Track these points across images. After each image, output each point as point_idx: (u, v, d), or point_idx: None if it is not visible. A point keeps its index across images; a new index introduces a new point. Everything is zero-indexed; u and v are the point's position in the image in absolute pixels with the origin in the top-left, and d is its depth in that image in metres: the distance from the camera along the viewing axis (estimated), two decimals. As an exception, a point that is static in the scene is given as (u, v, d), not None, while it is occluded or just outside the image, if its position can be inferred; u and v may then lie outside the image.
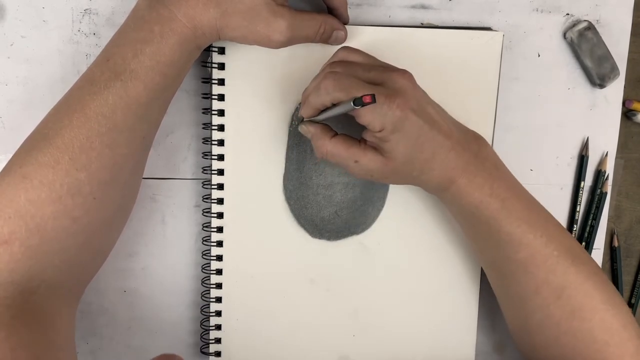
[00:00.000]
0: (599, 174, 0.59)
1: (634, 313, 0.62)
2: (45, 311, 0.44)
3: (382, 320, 0.57)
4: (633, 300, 0.62)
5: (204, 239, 0.55)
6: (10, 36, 0.52)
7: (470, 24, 0.56)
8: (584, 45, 0.56)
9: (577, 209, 0.59)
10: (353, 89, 0.43)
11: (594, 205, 0.59)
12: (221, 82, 0.52)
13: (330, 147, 0.47)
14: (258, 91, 0.53)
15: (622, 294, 0.62)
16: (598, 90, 0.58)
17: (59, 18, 0.52)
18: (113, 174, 0.45)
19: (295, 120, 0.53)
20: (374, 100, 0.39)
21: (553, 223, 0.49)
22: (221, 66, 0.52)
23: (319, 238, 0.55)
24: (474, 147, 0.48)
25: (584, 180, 0.58)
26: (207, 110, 0.53)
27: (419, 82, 0.47)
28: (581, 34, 0.56)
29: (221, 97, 0.52)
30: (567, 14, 0.56)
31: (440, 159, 0.46)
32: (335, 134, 0.48)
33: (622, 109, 0.59)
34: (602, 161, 0.59)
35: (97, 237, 0.47)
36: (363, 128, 0.46)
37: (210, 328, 0.55)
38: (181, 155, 0.55)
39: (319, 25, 0.49)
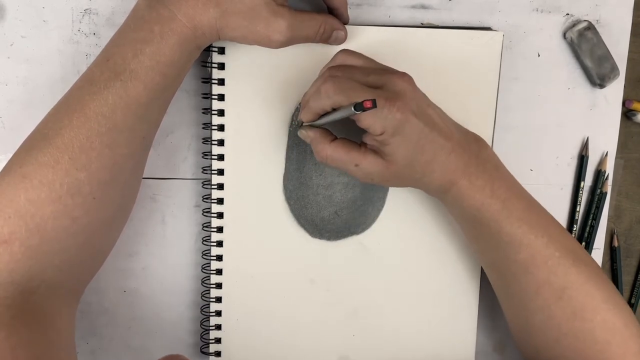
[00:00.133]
0: (599, 174, 0.59)
1: (634, 313, 0.62)
2: (45, 311, 0.44)
3: (382, 320, 0.57)
4: (633, 300, 0.62)
5: (204, 239, 0.55)
6: (10, 36, 0.52)
7: (470, 24, 0.56)
8: (584, 45, 0.56)
9: (577, 209, 0.59)
10: (353, 93, 0.43)
11: (594, 205, 0.59)
12: (221, 82, 0.52)
13: (330, 151, 0.47)
14: (258, 91, 0.53)
15: (622, 294, 0.62)
16: (598, 90, 0.58)
17: (59, 18, 0.52)
18: (113, 174, 0.45)
19: (295, 121, 0.53)
20: (374, 105, 0.39)
21: (553, 224, 0.49)
22: (221, 66, 0.52)
23: (319, 238, 0.55)
24: (474, 148, 0.48)
25: (584, 180, 0.58)
26: (207, 110, 0.53)
27: (418, 82, 0.47)
28: (581, 34, 0.56)
29: (221, 97, 0.52)
30: (567, 14, 0.56)
31: (441, 161, 0.46)
32: (335, 138, 0.48)
33: (622, 109, 0.59)
34: (602, 161, 0.59)
35: (97, 237, 0.47)
36: (362, 131, 0.46)
37: (210, 328, 0.55)
38: (181, 155, 0.55)
39: (319, 25, 0.49)
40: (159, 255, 0.56)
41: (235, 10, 0.45)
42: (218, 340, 0.56)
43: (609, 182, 0.59)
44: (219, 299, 0.55)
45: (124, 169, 0.46)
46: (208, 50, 0.51)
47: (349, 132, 0.48)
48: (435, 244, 0.56)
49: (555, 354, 0.49)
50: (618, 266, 0.61)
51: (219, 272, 0.55)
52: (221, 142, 0.53)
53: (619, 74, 0.57)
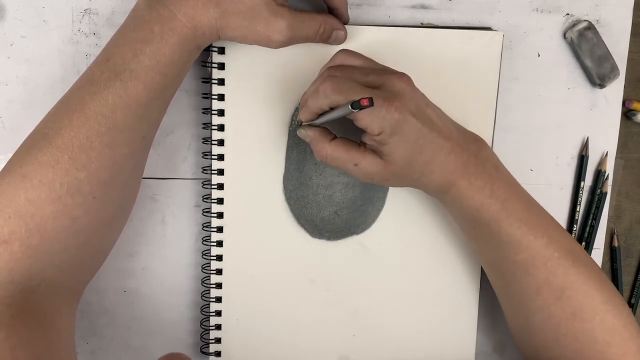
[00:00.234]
0: (599, 174, 0.59)
1: (634, 313, 0.62)
2: (45, 311, 0.44)
3: (382, 320, 0.57)
4: (633, 300, 0.62)
5: (204, 239, 0.55)
6: (10, 36, 0.52)
7: (470, 24, 0.56)
8: (584, 45, 0.56)
9: (577, 209, 0.59)
10: (351, 92, 0.43)
11: (594, 205, 0.59)
12: (221, 82, 0.52)
13: (329, 150, 0.47)
14: (258, 91, 0.53)
15: (622, 294, 0.62)
16: (598, 90, 0.58)
17: (59, 18, 0.52)
18: (113, 174, 0.45)
19: (295, 121, 0.53)
20: (371, 103, 0.39)
21: (553, 224, 0.49)
22: (221, 66, 0.52)
23: (319, 238, 0.55)
24: (473, 148, 0.48)
25: (584, 180, 0.58)
26: (207, 110, 0.53)
27: (418, 82, 0.47)
28: (581, 34, 0.56)
29: (221, 97, 0.52)
30: (567, 14, 0.56)
31: (440, 161, 0.46)
32: (335, 137, 0.48)
33: (622, 109, 0.59)
34: (602, 161, 0.59)
35: (97, 236, 0.47)
36: (362, 131, 0.46)
37: (210, 328, 0.55)
38: (181, 155, 0.55)
39: (319, 25, 0.49)
40: (159, 255, 0.56)
41: (235, 10, 0.45)
42: (218, 340, 0.56)
43: (609, 182, 0.59)
44: (219, 299, 0.55)
45: (124, 168, 0.46)
46: (208, 50, 0.51)
47: (348, 132, 0.48)
48: (435, 244, 0.56)
49: (555, 354, 0.49)
50: (618, 266, 0.61)
51: (219, 272, 0.55)
52: (221, 142, 0.53)
53: (619, 74, 0.57)
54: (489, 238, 0.49)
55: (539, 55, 0.57)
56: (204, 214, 0.54)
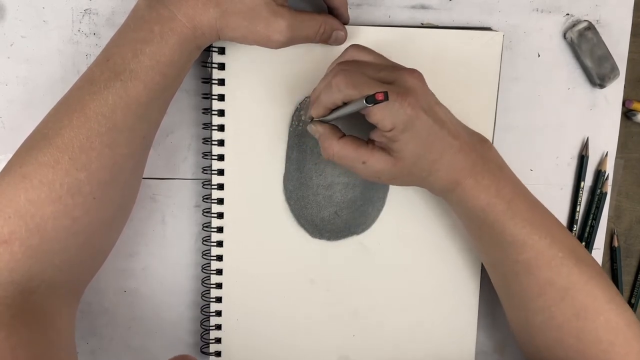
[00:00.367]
0: (599, 174, 0.59)
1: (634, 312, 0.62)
2: (45, 311, 0.44)
3: (382, 320, 0.57)
4: (633, 300, 0.62)
5: (204, 239, 0.55)
6: (10, 36, 0.52)
7: (470, 24, 0.56)
8: (584, 45, 0.56)
9: (577, 209, 0.59)
10: (365, 86, 0.43)
11: (594, 205, 0.59)
12: (221, 82, 0.52)
13: (338, 148, 0.47)
14: (258, 91, 0.53)
15: (622, 294, 0.61)
16: (598, 90, 0.58)
17: (59, 18, 0.52)
18: (113, 174, 0.45)
19: (296, 120, 0.53)
20: (386, 97, 0.39)
21: (556, 224, 0.49)
22: (221, 66, 0.52)
23: (319, 238, 0.55)
24: (479, 148, 0.48)
25: (584, 180, 0.58)
26: (207, 110, 0.53)
27: (418, 82, 0.47)
28: (581, 34, 0.56)
29: (221, 97, 0.52)
30: (567, 14, 0.56)
31: (448, 159, 0.46)
32: (343, 135, 0.47)
33: (622, 109, 0.59)
34: (602, 161, 0.59)
35: (97, 237, 0.47)
36: (370, 130, 0.46)
37: (210, 328, 0.55)
38: (181, 155, 0.55)
39: (319, 25, 0.49)
40: (159, 255, 0.56)
41: (235, 10, 0.45)
42: (218, 340, 0.56)
43: (609, 182, 0.59)
44: (219, 299, 0.55)
45: (124, 169, 0.46)
46: (208, 50, 0.51)
47: (356, 130, 0.48)
48: (435, 244, 0.56)
49: (558, 354, 0.49)
50: (618, 266, 0.61)
51: (219, 272, 0.55)
52: (221, 143, 0.53)
53: (619, 74, 0.57)
54: (492, 237, 0.49)
55: (539, 55, 0.57)
56: (204, 214, 0.54)
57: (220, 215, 0.54)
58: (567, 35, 0.56)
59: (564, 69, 0.57)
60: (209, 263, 0.55)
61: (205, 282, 0.55)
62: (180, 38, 0.45)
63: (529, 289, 0.49)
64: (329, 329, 0.56)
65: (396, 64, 0.48)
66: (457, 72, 0.53)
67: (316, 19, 0.49)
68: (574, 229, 0.59)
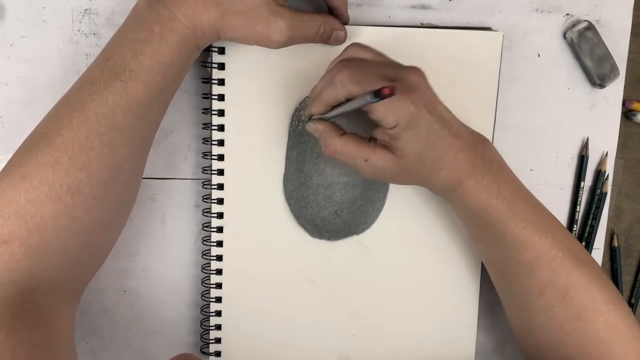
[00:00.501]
0: (599, 174, 0.59)
1: (634, 313, 0.62)
2: (45, 311, 0.44)
3: (382, 320, 0.57)
4: (633, 300, 0.62)
5: (204, 239, 0.55)
6: (10, 36, 0.52)
7: (470, 24, 0.56)
8: (584, 45, 0.56)
9: (577, 209, 0.59)
10: (369, 82, 0.43)
11: (594, 205, 0.59)
12: (221, 82, 0.52)
13: (339, 145, 0.46)
14: (258, 91, 0.53)
15: (622, 294, 0.61)
16: (598, 90, 0.58)
17: (59, 18, 0.52)
18: (113, 174, 0.45)
19: (295, 120, 0.53)
20: (393, 92, 0.38)
21: (556, 224, 0.49)
22: (221, 66, 0.52)
23: (319, 238, 0.55)
24: (480, 148, 0.48)
25: (584, 180, 0.58)
26: (207, 110, 0.53)
27: (418, 82, 0.47)
28: (581, 34, 0.56)
29: (221, 97, 0.52)
30: (567, 14, 0.56)
31: (450, 158, 0.46)
32: (344, 133, 0.47)
33: (622, 109, 0.59)
34: (602, 161, 0.59)
35: (97, 237, 0.47)
36: (371, 128, 0.46)
37: (210, 328, 0.55)
38: (181, 155, 0.55)
39: (319, 25, 0.49)
40: (159, 255, 0.56)
41: (235, 10, 0.45)
42: (218, 340, 0.56)
43: (609, 182, 0.59)
44: (219, 299, 0.55)
45: (124, 169, 0.46)
46: (208, 50, 0.51)
47: (356, 129, 0.48)
48: (435, 244, 0.56)
49: (559, 354, 0.49)
50: (618, 266, 0.61)
51: (219, 272, 0.55)
52: (221, 142, 0.53)
53: (619, 74, 0.57)
54: (494, 238, 0.49)
55: (539, 55, 0.57)
56: (204, 214, 0.54)
57: (220, 215, 0.54)
58: (567, 35, 0.56)
59: (564, 69, 0.57)
60: (209, 263, 0.55)
61: (205, 282, 0.55)
62: (180, 38, 0.45)
63: (531, 289, 0.49)
64: (329, 329, 0.56)
65: (397, 62, 0.48)
66: (457, 72, 0.53)
67: (316, 19, 0.49)
68: (574, 229, 0.59)
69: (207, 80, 0.53)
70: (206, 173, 0.54)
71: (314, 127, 0.48)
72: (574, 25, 0.56)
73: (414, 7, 0.55)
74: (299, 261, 0.55)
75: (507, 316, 0.54)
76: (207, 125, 0.53)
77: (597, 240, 0.60)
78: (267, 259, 0.55)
